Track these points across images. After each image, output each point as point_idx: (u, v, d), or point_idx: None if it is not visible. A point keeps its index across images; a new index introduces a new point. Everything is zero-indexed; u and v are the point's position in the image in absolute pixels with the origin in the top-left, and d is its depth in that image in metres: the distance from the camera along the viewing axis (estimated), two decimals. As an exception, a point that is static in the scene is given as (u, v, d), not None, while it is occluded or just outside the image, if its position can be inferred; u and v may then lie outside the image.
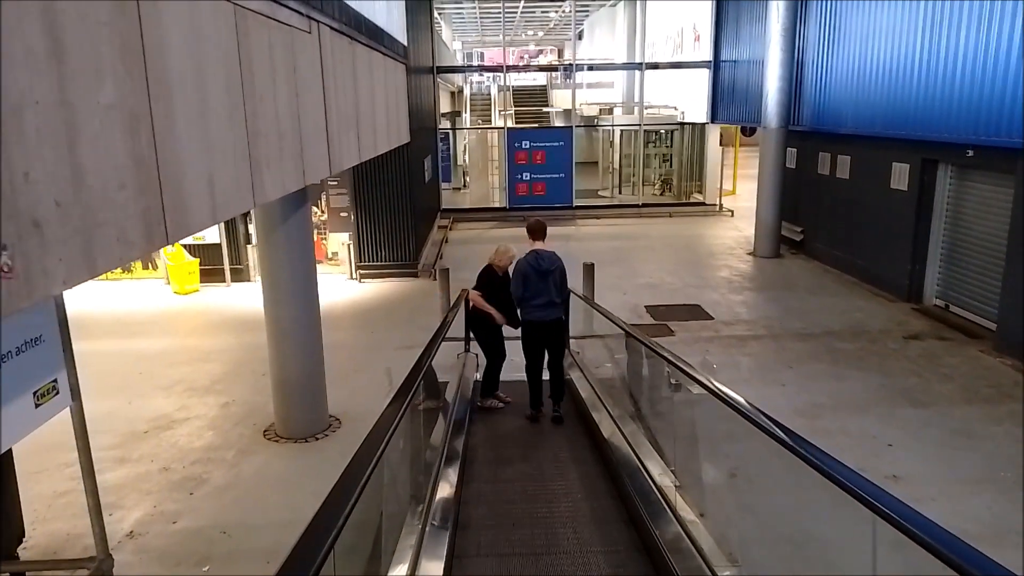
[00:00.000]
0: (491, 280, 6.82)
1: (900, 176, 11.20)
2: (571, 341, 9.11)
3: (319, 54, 6.14)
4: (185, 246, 12.79)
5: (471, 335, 7.64)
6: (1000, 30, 8.55)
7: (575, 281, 10.00)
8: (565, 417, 6.68)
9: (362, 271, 13.04)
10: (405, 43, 12.27)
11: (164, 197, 3.17)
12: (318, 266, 13.51)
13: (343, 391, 7.95)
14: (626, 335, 6.51)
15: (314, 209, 13.09)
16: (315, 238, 13.10)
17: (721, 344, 9.53)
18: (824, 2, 13.26)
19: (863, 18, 11.85)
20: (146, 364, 9.19)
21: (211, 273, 12.79)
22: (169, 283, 12.69)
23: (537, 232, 6.52)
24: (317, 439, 6.95)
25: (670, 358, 4.67)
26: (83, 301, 12.30)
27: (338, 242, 13.20)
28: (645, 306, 11.25)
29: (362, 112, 8.09)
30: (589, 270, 9.57)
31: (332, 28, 6.59)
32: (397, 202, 13.07)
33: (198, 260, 12.66)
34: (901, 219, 11.20)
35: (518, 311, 6.56)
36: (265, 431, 7.14)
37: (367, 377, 8.46)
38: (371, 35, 8.76)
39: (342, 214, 12.96)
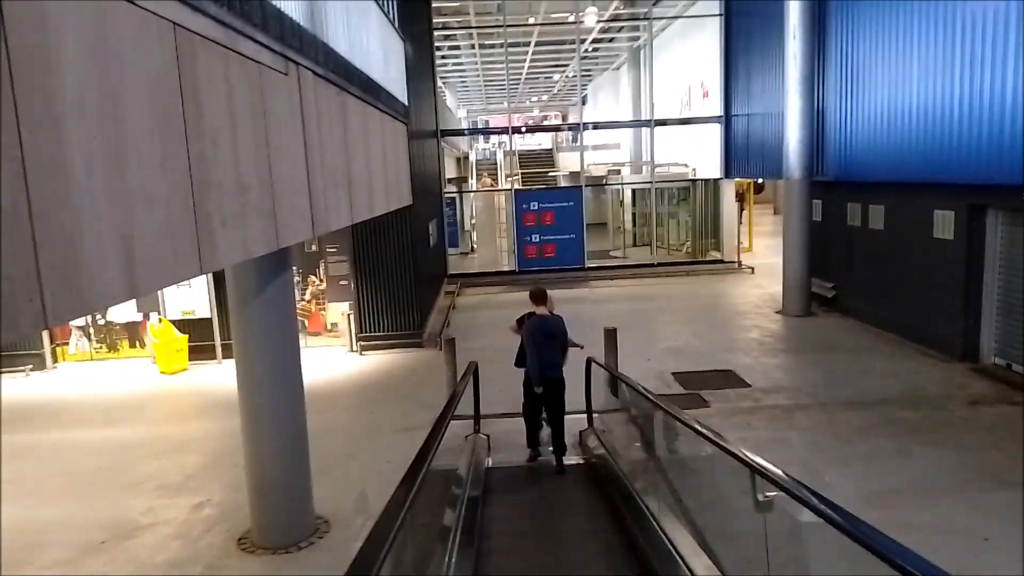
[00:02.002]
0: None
1: (944, 224, 10.28)
2: (595, 417, 8.08)
3: (299, 99, 5.35)
4: (174, 322, 11.93)
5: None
6: (1056, 59, 7.75)
7: (596, 349, 9.05)
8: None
9: (363, 343, 12.09)
10: (405, 102, 11.65)
11: (41, 261, 2.25)
12: (316, 338, 12.71)
13: (334, 485, 6.90)
14: (681, 422, 5.10)
15: (312, 278, 12.26)
16: (314, 309, 12.29)
17: (764, 416, 8.44)
18: (844, 48, 12.64)
19: (890, 61, 11.16)
20: (116, 457, 8.17)
21: (201, 350, 11.87)
22: (155, 362, 11.76)
23: (539, 298, 7.10)
24: (300, 548, 5.86)
25: (756, 464, 3.49)
26: (60, 384, 11.40)
27: (338, 312, 12.31)
28: (672, 373, 10.20)
29: (355, 169, 7.30)
30: (611, 336, 8.61)
31: (316, 73, 5.83)
32: (400, 268, 12.22)
33: (187, 337, 11.76)
34: (948, 270, 10.22)
35: (527, 369, 7.07)
36: (240, 539, 6.06)
37: (362, 466, 7.41)
38: (365, 88, 8.06)
39: (341, 282, 12.11)
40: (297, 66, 5.26)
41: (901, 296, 11.48)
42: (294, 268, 12.11)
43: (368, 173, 8.06)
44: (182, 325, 11.92)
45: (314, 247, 12.04)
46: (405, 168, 11.43)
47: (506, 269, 19.74)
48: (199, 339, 11.89)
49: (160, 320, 11.80)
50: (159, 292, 12.03)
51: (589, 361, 8.01)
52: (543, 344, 6.88)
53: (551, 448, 7.03)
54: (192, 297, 11.87)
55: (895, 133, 11.09)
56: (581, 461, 7.26)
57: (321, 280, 12.19)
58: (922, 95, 10.31)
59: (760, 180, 26.77)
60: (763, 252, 22.88)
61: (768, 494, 3.25)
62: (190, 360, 11.73)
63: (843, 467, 6.96)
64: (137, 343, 12.36)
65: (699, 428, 4.29)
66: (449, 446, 6.85)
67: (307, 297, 12.26)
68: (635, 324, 12.87)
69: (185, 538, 6.22)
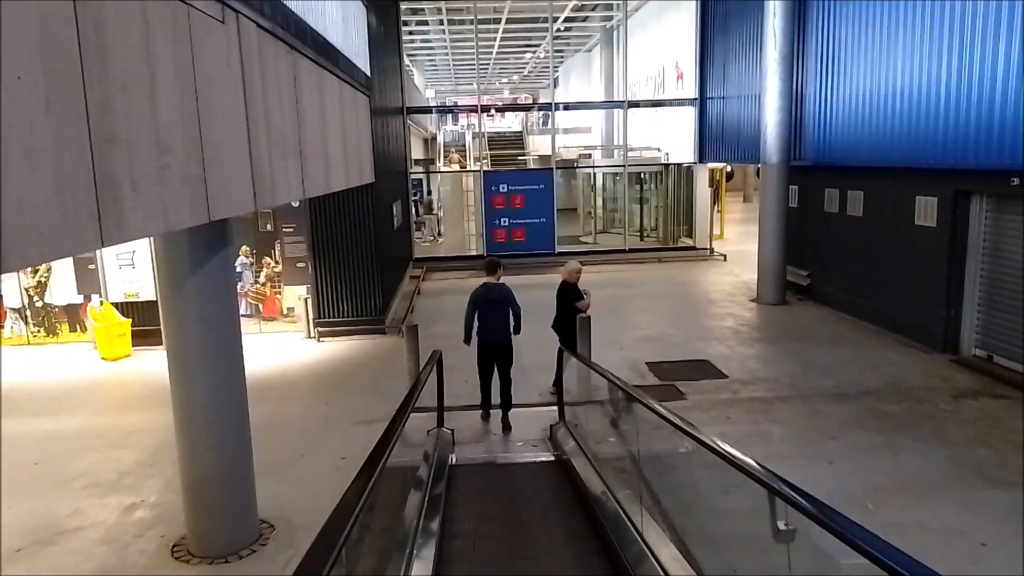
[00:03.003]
0: (569, 290, 8.23)
1: (926, 211, 9.97)
2: (566, 409, 7.61)
3: (239, 54, 4.71)
4: (116, 305, 11.16)
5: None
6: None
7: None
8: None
9: (321, 329, 11.44)
10: (368, 73, 10.97)
11: None
12: (271, 323, 12.02)
13: (283, 484, 6.33)
14: (681, 430, 4.44)
15: (267, 260, 11.57)
16: (269, 292, 11.60)
17: (743, 409, 8.05)
18: (825, 29, 12.25)
19: (874, 41, 10.78)
20: (46, 451, 7.48)
21: (146, 335, 11.11)
22: (96, 348, 10.99)
23: (489, 268, 7.81)
24: (241, 557, 5.28)
25: (778, 489, 2.85)
26: (-10, 371, 10.58)
27: (294, 296, 11.63)
28: (647, 363, 9.77)
29: (308, 139, 6.66)
30: (585, 324, 8.10)
31: (261, 27, 5.19)
32: (362, 251, 11.57)
33: (130, 321, 11.00)
34: (930, 259, 9.92)
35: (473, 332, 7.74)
36: (175, 546, 5.46)
37: (316, 463, 6.84)
38: (322, 51, 7.41)
39: (298, 264, 11.44)
40: (237, 15, 4.63)
41: (879, 285, 11.19)
42: (247, 248, 11.41)
43: (324, 144, 7.43)
44: (125, 308, 11.16)
45: (269, 227, 11.34)
46: (367, 143, 10.77)
47: (474, 253, 19.17)
48: (144, 323, 11.14)
49: (102, 303, 11.01)
50: (100, 272, 11.23)
51: (561, 351, 7.52)
52: (485, 311, 7.56)
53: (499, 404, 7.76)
54: (137, 278, 11.11)
55: (878, 116, 10.74)
56: (552, 458, 6.77)
57: (277, 262, 11.50)
58: (908, 76, 9.95)
59: (729, 168, 26.59)
60: (734, 239, 22.64)
61: (785, 525, 2.70)
62: (134, 346, 10.98)
63: (828, 464, 6.58)
64: (78, 327, 11.56)
65: (710, 442, 3.78)
66: (410, 441, 6.34)
67: (262, 280, 11.56)
68: (609, 311, 12.40)
69: (113, 544, 5.60)
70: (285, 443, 7.28)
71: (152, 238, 5.19)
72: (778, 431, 7.37)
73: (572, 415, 7.58)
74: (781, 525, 2.70)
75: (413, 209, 23.10)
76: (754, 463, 3.11)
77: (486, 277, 7.71)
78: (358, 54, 10.17)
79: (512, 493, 6.05)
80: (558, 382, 8.14)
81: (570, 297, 8.25)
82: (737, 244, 20.96)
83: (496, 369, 7.67)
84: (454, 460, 6.67)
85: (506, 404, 7.70)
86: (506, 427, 7.62)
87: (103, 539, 5.67)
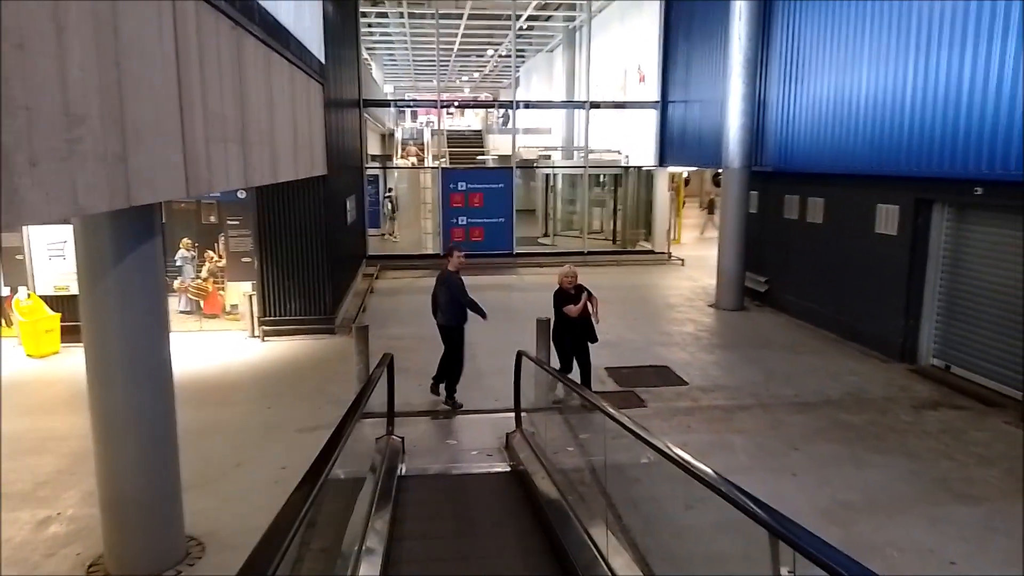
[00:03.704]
0: (564, 296, 8.01)
1: (887, 219, 9.92)
2: (523, 416, 7.27)
3: (172, 22, 4.24)
4: (45, 298, 10.42)
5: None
6: (1019, 47, 7.35)
7: (527, 339, 8.24)
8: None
9: (266, 327, 10.87)
10: (322, 60, 10.47)
11: None
12: (212, 321, 11.40)
13: (215, 497, 5.84)
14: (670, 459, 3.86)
15: (210, 254, 10.95)
16: (211, 288, 10.99)
17: (704, 417, 7.82)
18: (790, 35, 12.18)
19: (838, 48, 10.72)
20: (-46, 457, 6.82)
21: (77, 331, 10.32)
22: (22, 344, 10.23)
23: (447, 253, 8.49)
24: (165, 580, 4.80)
25: (786, 535, 2.46)
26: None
27: (238, 293, 11.04)
28: (605, 368, 9.48)
29: (253, 123, 6.18)
30: (544, 327, 7.80)
31: (200, -3, 4.71)
32: (311, 246, 11.03)
33: (59, 315, 10.28)
34: (890, 268, 9.87)
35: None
36: (91, 565, 4.94)
37: (253, 474, 6.35)
38: (271, 32, 6.92)
39: (243, 259, 10.85)
40: (170, -21, 4.16)
41: (838, 293, 11.14)
42: (188, 241, 10.80)
43: (271, 131, 6.94)
44: (55, 302, 10.43)
45: (213, 219, 10.73)
46: (320, 133, 10.27)
47: (430, 252, 18.73)
48: (74, 318, 10.39)
49: (29, 296, 10.27)
50: (28, 263, 10.49)
51: (519, 355, 7.18)
52: (436, 293, 8.26)
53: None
54: (68, 270, 10.38)
55: (840, 122, 10.68)
56: (508, 469, 6.42)
57: (220, 256, 10.89)
58: (871, 83, 9.90)
59: (687, 174, 26.65)
60: (691, 244, 22.67)
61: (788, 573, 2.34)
62: (63, 342, 10.27)
63: (792, 476, 6.38)
64: (2, 321, 10.76)
65: (673, 454, 3.46)
66: (357, 450, 5.92)
67: (203, 275, 10.94)
68: (566, 314, 12.10)
69: (23, 564, 5.04)
70: (220, 452, 6.77)
71: (73, 226, 4.67)
72: (740, 441, 7.15)
73: (530, 422, 7.25)
74: (785, 573, 2.36)
75: (389, 207, 22.70)
76: (748, 501, 2.78)
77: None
78: (312, 40, 9.67)
79: (465, 509, 5.67)
80: (516, 390, 7.79)
81: (567, 302, 8.03)
82: (693, 249, 20.96)
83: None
84: (404, 470, 6.26)
85: (439, 376, 8.30)
86: (439, 393, 8.30)
87: (11, 558, 5.11)
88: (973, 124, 8.01)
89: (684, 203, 24.29)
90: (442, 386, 8.30)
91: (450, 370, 8.22)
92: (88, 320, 4.58)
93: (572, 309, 7.81)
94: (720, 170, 15.19)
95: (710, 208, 25.21)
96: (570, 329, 7.95)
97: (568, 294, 7.95)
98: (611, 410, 4.49)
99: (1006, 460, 6.60)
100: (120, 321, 4.48)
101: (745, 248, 13.18)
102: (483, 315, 8.01)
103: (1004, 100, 7.57)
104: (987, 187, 8.06)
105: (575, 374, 8.01)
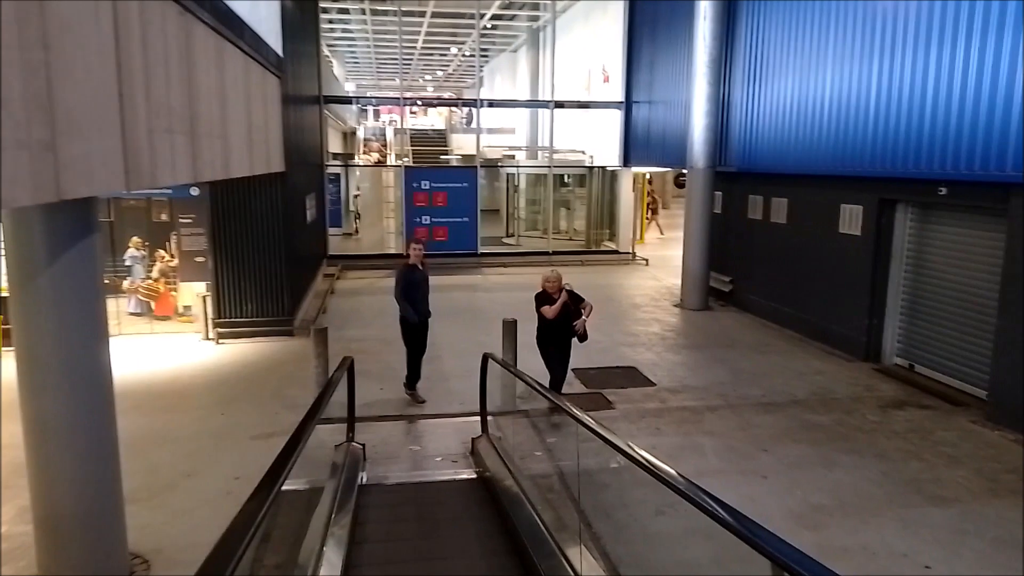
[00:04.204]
0: (546, 300, 7.46)
1: (851, 219, 9.94)
2: (489, 419, 7.05)
3: (110, 3, 3.93)
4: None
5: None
6: (984, 47, 7.37)
7: (493, 341, 8.04)
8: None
9: (221, 329, 10.46)
10: (280, 54, 10.12)
11: None
12: (164, 323, 10.94)
13: (162, 511, 5.51)
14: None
15: (161, 253, 10.51)
16: (162, 289, 10.55)
17: (672, 419, 7.69)
18: (753, 35, 12.18)
19: (802, 49, 10.73)
20: None
21: (7, 334, 9.83)
22: (-43, 348, 9.66)
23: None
24: (105, 602, 4.46)
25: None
26: None
27: (192, 294, 10.61)
28: (572, 369, 9.26)
29: (203, 115, 5.86)
30: (510, 328, 7.60)
31: (142, -22, 4.39)
32: (269, 245, 10.65)
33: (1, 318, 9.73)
34: (854, 267, 9.89)
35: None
36: (24, 588, 4.59)
37: (204, 485, 6.02)
38: (223, 20, 6.59)
39: (197, 259, 10.43)
40: (108, -43, 3.85)
41: (802, 293, 11.16)
42: (139, 240, 10.36)
43: (224, 124, 6.61)
44: (-7, 303, 9.88)
45: (164, 216, 10.30)
46: (277, 128, 9.91)
47: (393, 252, 18.40)
48: (5, 321, 9.87)
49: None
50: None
51: (485, 357, 6.96)
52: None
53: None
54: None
55: (805, 123, 10.69)
56: (474, 475, 6.19)
57: (172, 256, 10.46)
58: (835, 84, 9.91)
59: (649, 176, 26.74)
60: (653, 244, 22.70)
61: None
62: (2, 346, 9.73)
63: (762, 479, 6.27)
64: (-64, 324, 10.16)
65: (644, 460, 3.26)
66: (315, 457, 5.65)
67: (155, 275, 10.49)
68: (531, 314, 11.89)
69: (-53, 587, 4.67)
70: (169, 461, 6.42)
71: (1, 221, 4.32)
72: (710, 443, 7.03)
73: (496, 427, 7.04)
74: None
75: (355, 207, 22.36)
76: (718, 507, 2.62)
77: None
78: (268, 31, 9.31)
79: (431, 523, 5.42)
80: (482, 393, 7.56)
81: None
82: (656, 249, 20.98)
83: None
84: (364, 479, 6.00)
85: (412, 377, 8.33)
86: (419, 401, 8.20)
87: (-66, 581, 4.73)
88: (938, 125, 8.03)
89: (649, 204, 24.27)
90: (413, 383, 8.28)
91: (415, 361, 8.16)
92: (18, 323, 4.23)
93: (548, 310, 7.35)
94: (683, 171, 15.18)
95: (653, 210, 25.43)
96: (552, 334, 7.49)
97: (551, 299, 7.41)
98: (590, 421, 4.28)
99: (974, 460, 6.59)
100: (53, 324, 4.14)
101: (709, 248, 13.16)
102: (410, 318, 7.90)
103: (968, 100, 7.59)
104: (951, 187, 8.09)
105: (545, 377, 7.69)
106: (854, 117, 9.51)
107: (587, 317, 7.51)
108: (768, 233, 12.14)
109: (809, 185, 10.88)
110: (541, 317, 7.47)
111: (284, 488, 3.28)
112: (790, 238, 11.49)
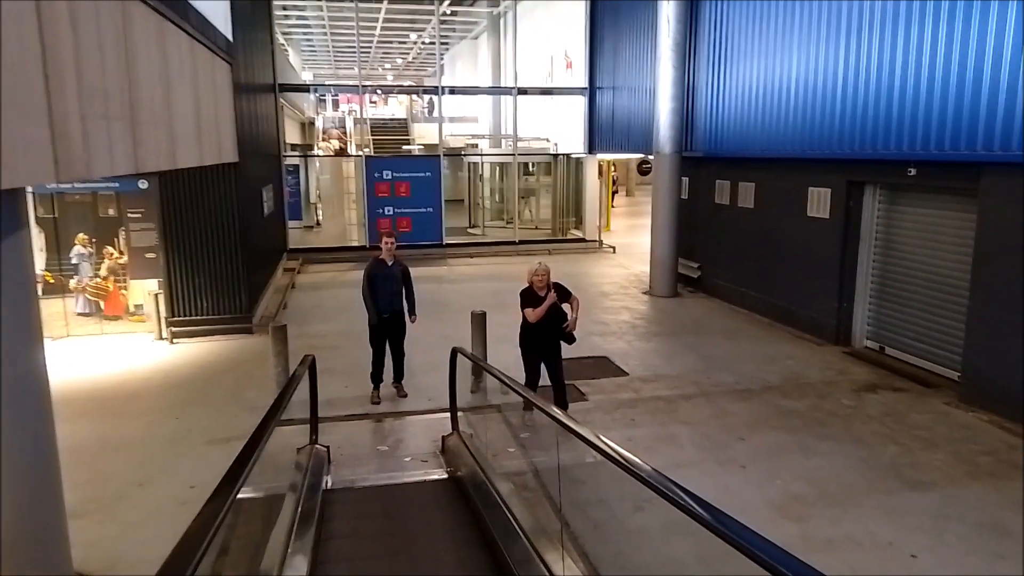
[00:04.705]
0: (532, 296, 6.67)
1: (819, 202, 9.87)
2: (459, 415, 6.79)
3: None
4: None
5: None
6: (952, 23, 7.29)
7: (461, 334, 7.78)
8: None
9: (175, 328, 10.00)
10: (230, 38, 9.66)
11: None
12: (114, 323, 10.43)
13: (111, 524, 5.15)
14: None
15: (109, 250, 10.01)
16: (111, 287, 10.05)
17: (647, 409, 7.52)
18: (717, 17, 12.03)
19: (766, 31, 10.61)
20: None
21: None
22: None
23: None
24: (46, 629, 4.11)
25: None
26: None
27: (143, 292, 10.12)
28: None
29: (144, 100, 5.47)
30: (479, 321, 7.34)
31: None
32: (224, 239, 10.20)
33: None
34: (823, 251, 9.84)
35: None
36: (-44, 618, 4.20)
37: (157, 495, 5.66)
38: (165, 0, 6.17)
39: (148, 255, 9.94)
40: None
41: (771, 277, 11.09)
42: (85, 237, 9.85)
43: (168, 110, 6.20)
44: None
45: (112, 211, 9.78)
46: (229, 116, 9.46)
47: (356, 244, 17.97)
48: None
49: None
50: None
51: (454, 352, 6.68)
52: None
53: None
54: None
55: (771, 106, 10.59)
56: (445, 475, 5.93)
57: (121, 252, 9.95)
58: (802, 66, 9.81)
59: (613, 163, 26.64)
60: (620, 231, 22.61)
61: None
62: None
63: (740, 469, 6.13)
64: None
65: (624, 461, 3.04)
66: (276, 461, 5.34)
67: (103, 273, 9.97)
68: (500, 305, 11.58)
69: None
70: (120, 470, 6.03)
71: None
72: (686, 433, 6.87)
73: (466, 423, 6.78)
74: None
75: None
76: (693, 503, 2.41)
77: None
78: (216, 15, 8.85)
79: (402, 528, 5.15)
80: (452, 389, 7.28)
81: (538, 302, 6.70)
82: (622, 236, 20.89)
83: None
84: (329, 483, 5.70)
85: (397, 374, 8.07)
86: (402, 393, 7.95)
87: None
88: (906, 104, 7.96)
89: (615, 192, 24.17)
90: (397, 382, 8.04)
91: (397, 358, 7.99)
92: (-62, 329, 3.83)
93: (532, 313, 6.52)
94: (648, 157, 15.04)
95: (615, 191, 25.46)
96: (539, 337, 6.72)
97: (538, 296, 6.61)
98: (561, 416, 4.05)
99: (950, 443, 6.54)
100: (-22, 329, 3.76)
101: (677, 234, 13.04)
102: (370, 316, 7.60)
103: (937, 79, 7.52)
104: (920, 167, 8.03)
105: (539, 388, 6.87)
106: (821, 98, 9.42)
107: (576, 315, 6.75)
108: (736, 218, 12.06)
109: (776, 169, 10.79)
110: (525, 318, 6.68)
111: (242, 496, 3.01)
112: (758, 222, 11.41)
